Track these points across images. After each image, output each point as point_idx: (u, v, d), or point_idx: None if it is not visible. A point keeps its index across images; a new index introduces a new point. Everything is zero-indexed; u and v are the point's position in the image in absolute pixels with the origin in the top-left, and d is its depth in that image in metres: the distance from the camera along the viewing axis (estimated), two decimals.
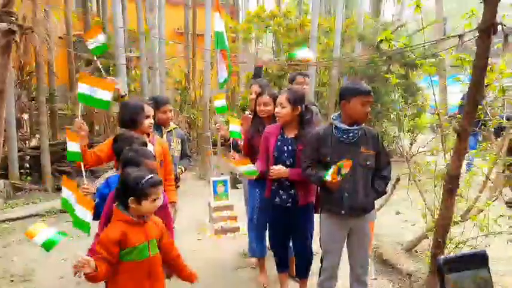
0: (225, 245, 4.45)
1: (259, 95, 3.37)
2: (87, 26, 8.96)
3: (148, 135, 3.11)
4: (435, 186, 3.13)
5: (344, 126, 2.63)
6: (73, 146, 2.66)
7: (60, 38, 6.64)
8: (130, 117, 2.97)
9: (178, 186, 3.65)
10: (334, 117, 2.72)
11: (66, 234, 1.87)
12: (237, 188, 6.13)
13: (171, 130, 3.67)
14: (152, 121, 3.09)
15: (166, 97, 4.13)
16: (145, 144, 2.75)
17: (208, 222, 5.04)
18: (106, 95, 2.74)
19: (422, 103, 8.20)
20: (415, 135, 8.25)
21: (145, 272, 2.07)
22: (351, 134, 2.63)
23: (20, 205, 5.68)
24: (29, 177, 6.35)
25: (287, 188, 2.99)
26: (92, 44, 3.26)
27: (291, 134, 3.02)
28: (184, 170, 3.76)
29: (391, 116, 8.43)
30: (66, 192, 2.44)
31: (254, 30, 9.31)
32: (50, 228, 1.84)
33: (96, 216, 2.47)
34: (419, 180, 3.46)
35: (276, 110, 3.00)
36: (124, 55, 7.30)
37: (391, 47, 2.99)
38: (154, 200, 2.06)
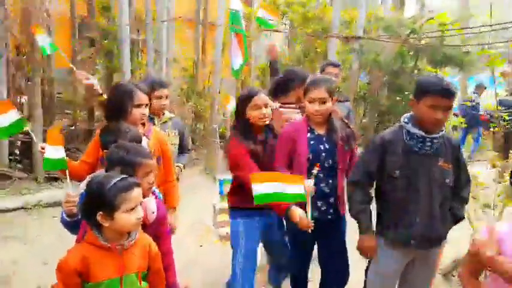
0: (230, 253, 3.92)
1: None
2: (91, 7, 8.44)
3: (143, 125, 2.56)
4: (493, 208, 2.56)
5: (420, 132, 2.03)
6: (54, 152, 2.06)
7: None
8: (116, 105, 2.38)
9: None
10: (405, 120, 2.12)
11: None
12: None
13: (166, 121, 3.11)
14: (145, 111, 2.47)
15: (166, 81, 3.55)
16: (140, 138, 2.22)
17: (212, 226, 4.52)
18: (13, 115, 2.23)
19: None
20: None
21: None
22: (429, 144, 2.03)
23: (7, 196, 5.17)
24: (18, 165, 5.83)
25: (326, 196, 2.38)
26: (40, 41, 2.81)
27: (321, 130, 2.44)
28: (183, 168, 3.27)
29: None
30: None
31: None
32: None
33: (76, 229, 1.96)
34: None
35: (315, 107, 2.38)
36: (129, 38, 6.76)
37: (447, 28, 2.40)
38: (132, 209, 1.52)
